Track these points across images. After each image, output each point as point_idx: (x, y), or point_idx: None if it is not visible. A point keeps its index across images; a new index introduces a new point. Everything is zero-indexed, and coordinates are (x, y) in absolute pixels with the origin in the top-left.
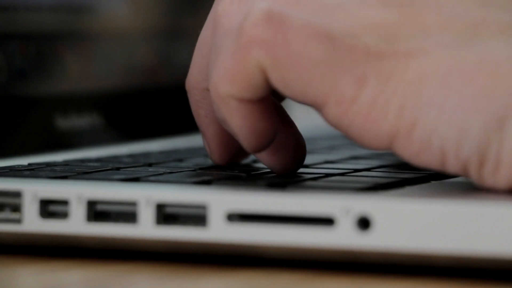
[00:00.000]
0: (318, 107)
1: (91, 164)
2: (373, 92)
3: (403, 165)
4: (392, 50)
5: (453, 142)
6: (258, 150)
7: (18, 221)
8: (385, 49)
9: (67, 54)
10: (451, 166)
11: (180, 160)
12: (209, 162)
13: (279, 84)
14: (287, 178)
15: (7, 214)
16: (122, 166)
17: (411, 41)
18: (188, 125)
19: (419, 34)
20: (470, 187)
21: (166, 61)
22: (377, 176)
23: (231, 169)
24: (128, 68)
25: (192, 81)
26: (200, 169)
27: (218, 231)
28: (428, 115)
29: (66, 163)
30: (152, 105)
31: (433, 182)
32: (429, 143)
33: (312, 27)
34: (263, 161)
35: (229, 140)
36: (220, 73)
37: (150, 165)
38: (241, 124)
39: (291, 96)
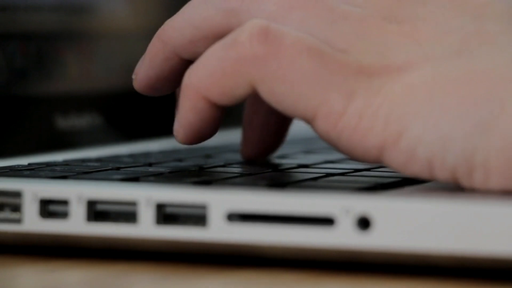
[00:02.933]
0: (308, 121)
1: (91, 164)
2: (361, 105)
3: None
4: (384, 65)
5: (438, 150)
6: (185, 143)
7: (18, 221)
8: (377, 65)
9: (67, 54)
10: (440, 175)
11: (180, 160)
12: (209, 162)
13: (269, 98)
14: (287, 178)
15: (7, 214)
16: (122, 166)
17: (403, 55)
18: None
19: (412, 48)
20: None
21: None
22: (377, 176)
23: (231, 169)
24: (128, 68)
25: (173, 36)
26: (200, 168)
27: (218, 231)
28: (413, 125)
29: (66, 163)
30: (152, 105)
31: (433, 182)
32: (415, 152)
33: (303, 43)
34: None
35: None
36: (205, 73)
37: (150, 165)
38: (192, 121)
39: (282, 110)
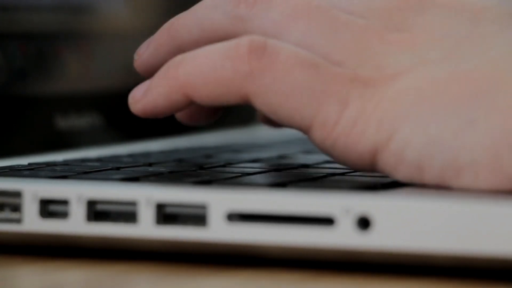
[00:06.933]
0: (304, 131)
1: (91, 164)
2: (355, 112)
3: None
4: (378, 76)
5: (426, 152)
6: (136, 114)
7: (18, 221)
8: (372, 76)
9: (67, 54)
10: (429, 178)
11: (180, 160)
12: (209, 162)
13: (265, 110)
14: (287, 178)
15: (7, 214)
16: (122, 166)
17: (399, 63)
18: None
19: (406, 55)
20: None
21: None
22: (377, 176)
23: (231, 169)
24: (128, 68)
25: (181, 33)
26: (200, 168)
27: (218, 231)
28: (403, 128)
29: (66, 163)
30: None
31: None
32: (403, 155)
33: (297, 56)
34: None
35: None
36: (196, 73)
37: (150, 165)
38: (159, 105)
39: (278, 120)
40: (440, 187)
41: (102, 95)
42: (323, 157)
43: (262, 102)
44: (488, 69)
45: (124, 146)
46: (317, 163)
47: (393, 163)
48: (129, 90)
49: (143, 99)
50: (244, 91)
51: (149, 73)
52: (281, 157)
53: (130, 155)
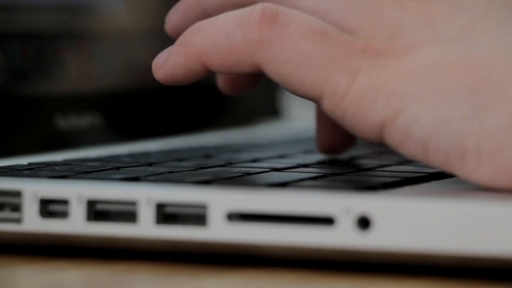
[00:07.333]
0: (315, 101)
1: (91, 163)
2: (365, 83)
3: (403, 164)
4: (390, 47)
5: (433, 132)
6: (160, 82)
7: (18, 220)
8: (384, 47)
9: (67, 54)
10: (434, 158)
11: (180, 160)
12: (209, 162)
13: (276, 78)
14: (287, 178)
15: (7, 214)
16: (122, 165)
17: (411, 36)
18: (188, 125)
19: (421, 28)
20: (470, 187)
21: None
22: (377, 176)
23: (231, 169)
24: (128, 68)
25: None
26: (200, 168)
27: (218, 231)
28: (412, 105)
29: (66, 163)
30: (152, 105)
31: (433, 181)
32: (411, 132)
33: (308, 26)
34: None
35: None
36: (211, 41)
37: (150, 164)
38: (177, 74)
39: (289, 89)
40: (447, 184)
41: (102, 95)
42: (323, 157)
43: (273, 71)
44: (499, 58)
45: (124, 146)
46: (317, 163)
47: (400, 139)
48: (129, 90)
49: (163, 66)
50: (255, 59)
51: (178, 36)
52: (281, 157)
53: (130, 155)
